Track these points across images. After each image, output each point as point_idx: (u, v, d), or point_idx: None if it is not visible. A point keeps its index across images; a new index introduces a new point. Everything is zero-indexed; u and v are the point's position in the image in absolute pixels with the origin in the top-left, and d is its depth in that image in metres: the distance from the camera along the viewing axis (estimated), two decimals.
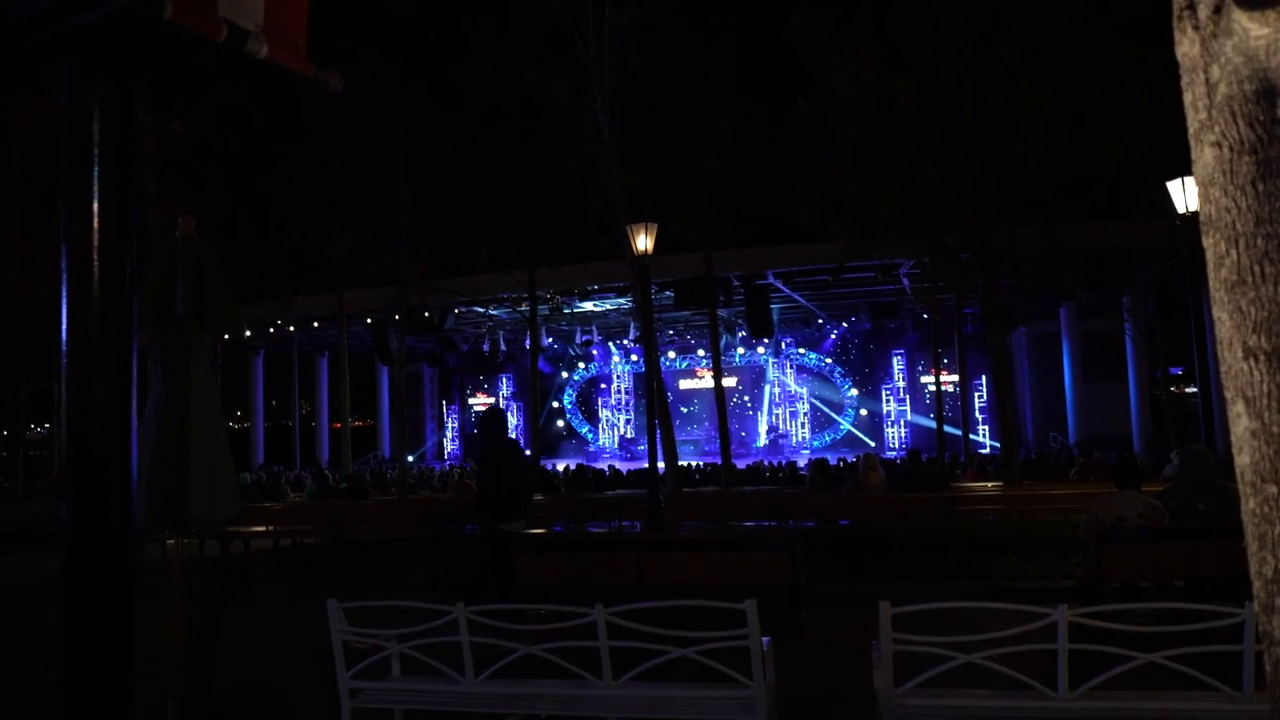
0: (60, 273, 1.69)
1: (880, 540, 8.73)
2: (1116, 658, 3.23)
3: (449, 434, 38.77)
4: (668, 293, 23.87)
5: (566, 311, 28.52)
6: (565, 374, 36.65)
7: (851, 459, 20.41)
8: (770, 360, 33.74)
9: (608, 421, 35.72)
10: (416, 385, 36.58)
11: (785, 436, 33.10)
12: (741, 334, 31.46)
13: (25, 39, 1.67)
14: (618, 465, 22.89)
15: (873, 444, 30.70)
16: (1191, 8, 1.08)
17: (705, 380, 32.07)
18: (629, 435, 34.69)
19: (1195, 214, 1.11)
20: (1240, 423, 1.06)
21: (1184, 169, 9.92)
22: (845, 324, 32.19)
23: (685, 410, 33.55)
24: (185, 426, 3.88)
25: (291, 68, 1.83)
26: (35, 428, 43.61)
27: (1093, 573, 5.91)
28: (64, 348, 1.69)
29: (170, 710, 4.05)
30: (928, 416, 28.99)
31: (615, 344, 34.75)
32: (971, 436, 27.54)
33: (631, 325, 30.57)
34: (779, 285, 25.17)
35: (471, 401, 38.86)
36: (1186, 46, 1.09)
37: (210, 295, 3.93)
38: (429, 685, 4.00)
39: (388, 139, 18.15)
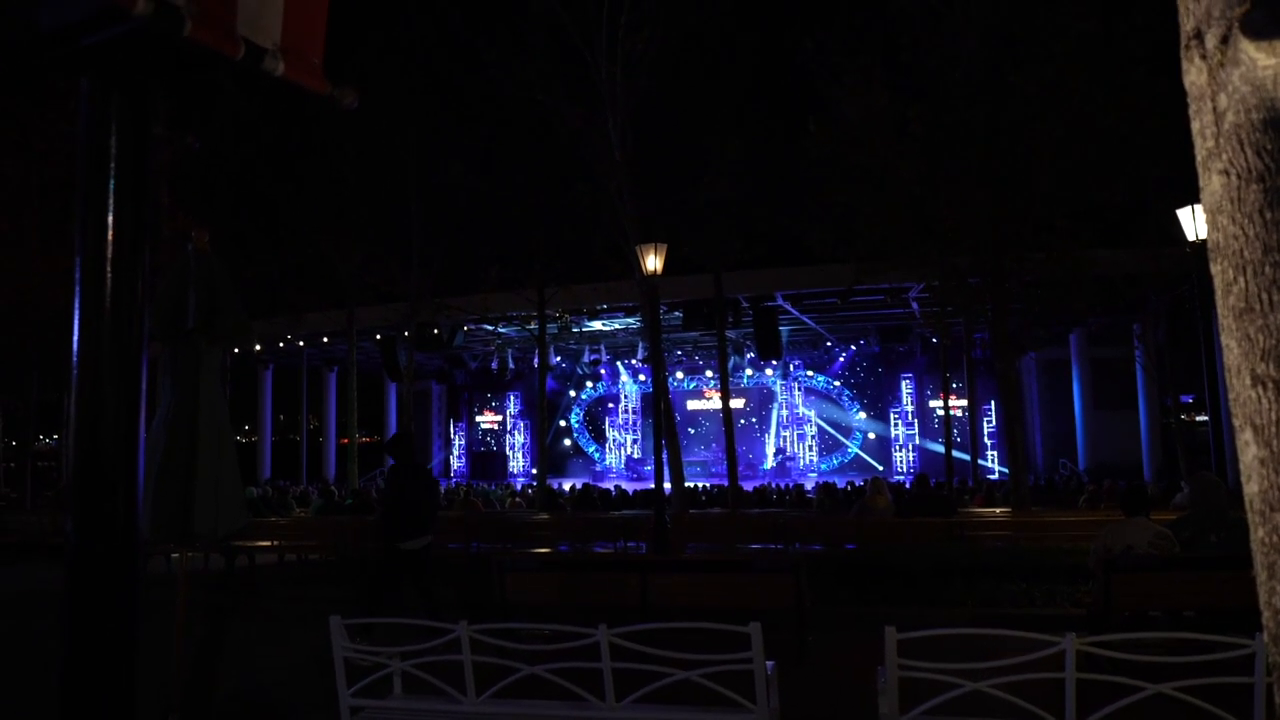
0: (73, 284, 1.71)
1: (887, 565, 8.67)
2: (1125, 688, 3.19)
3: (456, 451, 38.77)
4: (676, 313, 23.89)
5: (575, 330, 28.56)
6: (573, 393, 36.66)
7: (859, 482, 20.32)
8: (778, 382, 33.70)
9: (614, 441, 35.68)
10: (424, 402, 36.63)
11: (793, 459, 32.99)
12: (750, 355, 31.44)
13: (47, 55, 1.69)
14: (624, 485, 22.83)
15: (881, 468, 30.57)
16: (1199, 37, 1.08)
17: (713, 401, 32.03)
18: (635, 455, 34.62)
19: (1205, 241, 1.11)
20: (1249, 450, 1.05)
21: (1195, 196, 9.91)
22: (854, 347, 32.17)
23: (692, 431, 33.52)
24: (193, 439, 3.89)
25: (307, 86, 1.86)
26: (44, 438, 43.81)
27: (1102, 601, 5.85)
28: (75, 359, 1.70)
29: None
30: (936, 441, 28.85)
31: (623, 364, 34.79)
32: (980, 462, 27.38)
33: (640, 345, 30.60)
34: (788, 307, 25.18)
35: (479, 419, 38.88)
36: (1194, 75, 1.10)
37: (222, 309, 3.96)
38: (430, 704, 3.98)
39: (400, 156, 18.31)
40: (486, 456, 37.72)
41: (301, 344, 28.93)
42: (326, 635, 4.00)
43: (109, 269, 1.70)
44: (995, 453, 29.56)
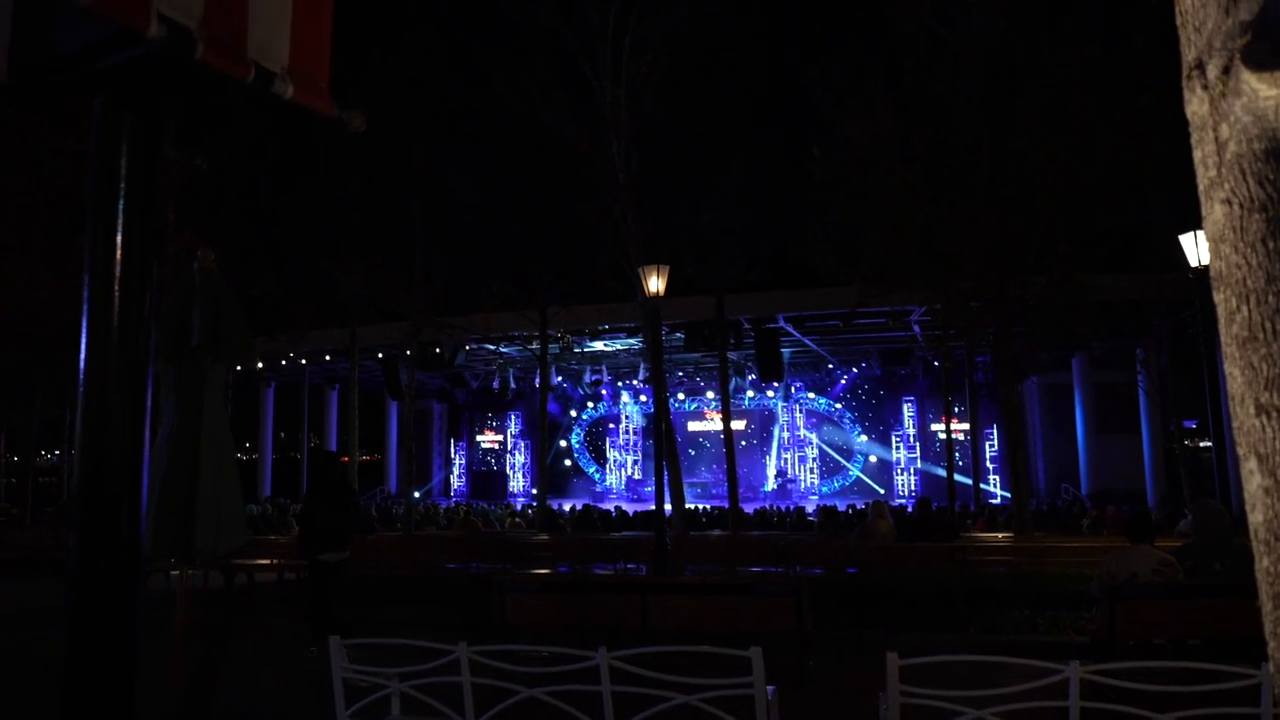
0: (82, 301, 1.72)
1: (888, 589, 8.61)
2: (1130, 718, 3.16)
3: (456, 470, 38.68)
4: (678, 334, 23.91)
5: (577, 351, 28.57)
6: (574, 413, 36.63)
7: (860, 506, 20.24)
8: (780, 404, 33.63)
9: (615, 462, 35.59)
10: (425, 421, 36.58)
11: (794, 481, 32.87)
12: (751, 377, 31.41)
13: (64, 75, 1.72)
14: (624, 506, 22.75)
15: (882, 491, 30.42)
16: (1200, 67, 1.10)
17: (714, 423, 31.97)
18: (636, 476, 34.52)
19: (1207, 267, 1.11)
20: (1253, 480, 1.05)
21: (1197, 222, 9.92)
22: (855, 369, 32.13)
23: (693, 452, 33.43)
24: (195, 456, 3.89)
25: (316, 108, 1.87)
26: (46, 454, 43.77)
27: (1106, 628, 5.80)
28: (82, 374, 1.71)
29: None
30: (938, 465, 28.75)
31: (625, 384, 34.77)
32: (982, 486, 27.28)
33: (641, 366, 30.60)
34: (790, 329, 25.21)
35: (480, 439, 38.81)
36: (1196, 105, 1.11)
37: (226, 327, 3.97)
38: None
39: (404, 176, 18.40)
40: (487, 476, 37.65)
41: (304, 362, 28.95)
42: (324, 655, 3.97)
43: (117, 286, 1.71)
44: (997, 477, 29.45)
